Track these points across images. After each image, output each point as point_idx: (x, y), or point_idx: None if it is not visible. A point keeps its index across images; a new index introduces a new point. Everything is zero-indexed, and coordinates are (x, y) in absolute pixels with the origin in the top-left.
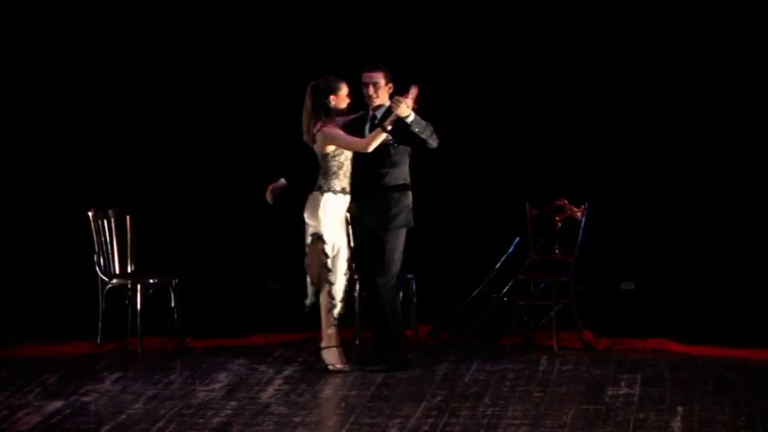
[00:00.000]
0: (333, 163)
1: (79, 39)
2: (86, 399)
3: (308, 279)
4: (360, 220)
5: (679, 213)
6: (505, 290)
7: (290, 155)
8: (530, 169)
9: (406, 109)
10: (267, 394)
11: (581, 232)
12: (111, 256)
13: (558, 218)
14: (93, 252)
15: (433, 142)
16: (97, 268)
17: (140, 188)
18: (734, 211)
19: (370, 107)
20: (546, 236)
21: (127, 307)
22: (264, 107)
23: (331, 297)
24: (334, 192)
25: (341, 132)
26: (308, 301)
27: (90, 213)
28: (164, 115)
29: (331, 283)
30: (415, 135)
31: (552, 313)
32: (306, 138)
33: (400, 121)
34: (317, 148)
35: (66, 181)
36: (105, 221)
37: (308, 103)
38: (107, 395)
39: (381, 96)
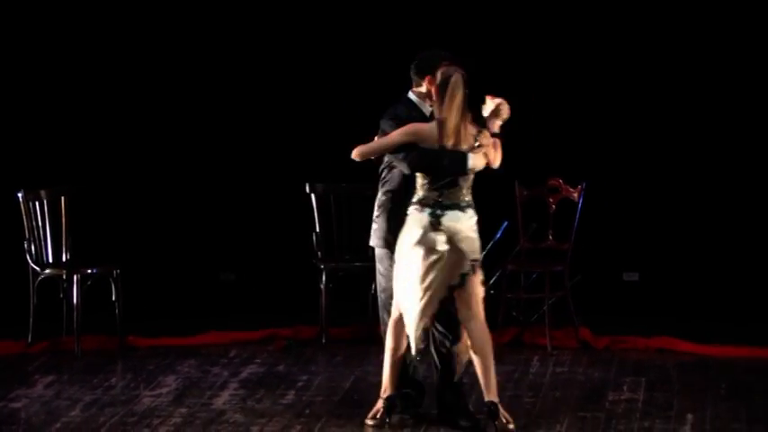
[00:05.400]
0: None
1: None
2: (16, 405)
3: (438, 326)
4: None
5: (689, 194)
6: (492, 281)
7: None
8: (519, 144)
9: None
10: (221, 400)
11: (578, 216)
12: (43, 243)
13: (551, 200)
14: (23, 239)
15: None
16: (28, 257)
17: (77, 166)
18: (754, 195)
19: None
20: (538, 220)
21: (62, 301)
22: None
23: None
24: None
25: None
26: (419, 356)
27: (19, 194)
28: (103, 82)
29: None
30: None
31: (545, 308)
32: (452, 141)
33: None
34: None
35: None
36: (37, 203)
37: (461, 96)
38: (39, 401)
39: None
